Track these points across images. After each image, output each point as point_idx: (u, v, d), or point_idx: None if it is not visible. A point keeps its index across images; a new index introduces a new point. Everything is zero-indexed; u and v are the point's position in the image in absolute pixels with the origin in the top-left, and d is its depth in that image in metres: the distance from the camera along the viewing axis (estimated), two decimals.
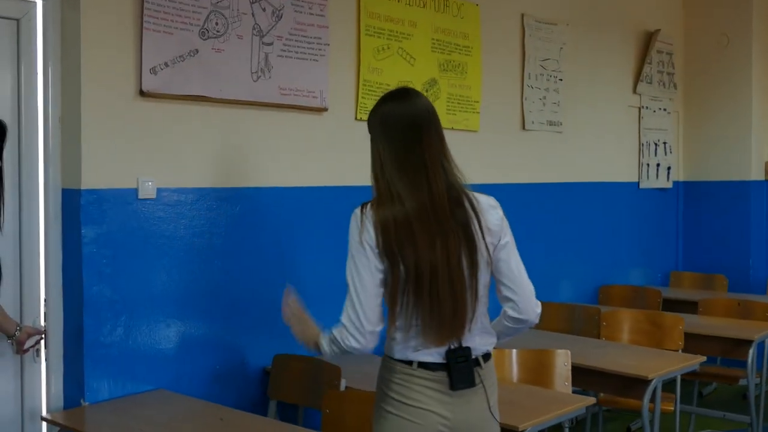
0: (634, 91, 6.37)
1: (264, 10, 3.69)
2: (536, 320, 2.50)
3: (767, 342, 5.00)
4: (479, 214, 2.32)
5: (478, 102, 4.83)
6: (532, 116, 5.31)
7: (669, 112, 6.78)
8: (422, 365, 2.30)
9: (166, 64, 3.36)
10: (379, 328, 2.29)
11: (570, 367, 3.78)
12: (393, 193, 2.28)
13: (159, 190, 3.41)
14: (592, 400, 3.45)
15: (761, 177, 6.89)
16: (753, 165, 6.82)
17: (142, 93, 3.31)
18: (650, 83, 6.51)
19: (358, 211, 2.34)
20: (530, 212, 5.32)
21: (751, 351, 4.71)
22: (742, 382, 5.16)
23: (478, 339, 2.36)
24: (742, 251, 6.85)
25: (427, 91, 4.49)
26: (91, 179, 3.20)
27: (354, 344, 2.29)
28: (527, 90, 5.25)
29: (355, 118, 4.17)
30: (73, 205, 3.21)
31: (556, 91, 5.47)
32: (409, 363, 2.31)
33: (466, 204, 2.32)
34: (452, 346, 2.31)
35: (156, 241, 3.41)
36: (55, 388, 3.26)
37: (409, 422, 2.30)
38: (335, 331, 2.34)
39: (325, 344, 2.39)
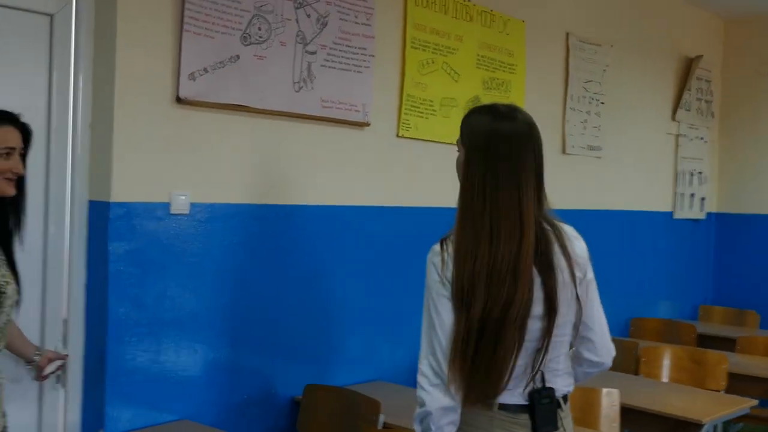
0: (673, 119, 6.15)
1: (309, 16, 3.46)
2: (610, 363, 2.29)
3: None
4: (567, 248, 2.10)
5: None
6: (573, 140, 5.08)
7: (706, 141, 6.56)
8: (503, 407, 2.07)
9: (206, 70, 3.13)
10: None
11: (618, 408, 3.56)
12: (477, 231, 2.02)
13: (192, 205, 3.16)
14: None
15: None
16: None
17: (179, 100, 3.07)
18: (689, 110, 6.28)
19: (437, 247, 2.08)
20: None
21: None
22: None
23: (560, 380, 2.15)
24: None
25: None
26: (122, 191, 2.96)
27: (437, 401, 2.01)
28: (569, 112, 5.02)
29: (397, 135, 3.94)
30: (101, 219, 2.96)
31: (597, 115, 5.24)
32: (489, 405, 2.07)
33: (555, 244, 2.08)
34: (536, 386, 2.08)
35: (187, 260, 3.17)
36: (72, 416, 3.00)
37: None
38: (418, 401, 2.07)
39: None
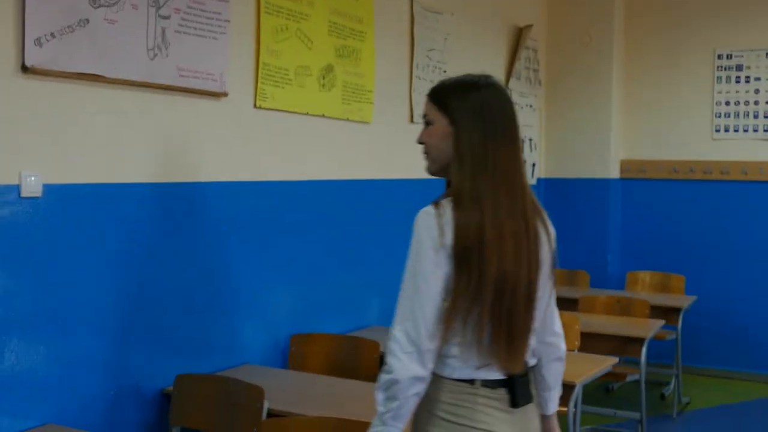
0: (506, 87, 6.26)
1: None
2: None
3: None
4: (547, 224, 2.10)
5: (371, 92, 4.50)
6: (420, 108, 5.04)
7: (535, 109, 6.75)
8: (485, 383, 2.00)
9: (53, 35, 2.80)
10: (435, 347, 1.94)
11: None
12: (482, 195, 1.95)
13: (45, 187, 2.83)
14: None
15: (618, 175, 7.01)
16: (611, 163, 6.92)
17: (24, 68, 2.73)
18: (519, 79, 6.43)
19: (432, 210, 1.96)
20: (413, 210, 5.05)
21: (643, 349, 4.72)
22: (630, 378, 5.18)
23: (529, 354, 2.10)
24: (600, 247, 6.96)
25: (324, 77, 4.11)
26: None
27: (408, 370, 1.89)
28: (416, 81, 4.98)
29: (254, 106, 3.73)
30: None
31: None
32: (471, 382, 1.99)
33: (537, 218, 2.07)
34: None
35: (41, 248, 2.84)
36: None
37: None
38: (386, 368, 1.94)
39: (379, 401, 1.95)
